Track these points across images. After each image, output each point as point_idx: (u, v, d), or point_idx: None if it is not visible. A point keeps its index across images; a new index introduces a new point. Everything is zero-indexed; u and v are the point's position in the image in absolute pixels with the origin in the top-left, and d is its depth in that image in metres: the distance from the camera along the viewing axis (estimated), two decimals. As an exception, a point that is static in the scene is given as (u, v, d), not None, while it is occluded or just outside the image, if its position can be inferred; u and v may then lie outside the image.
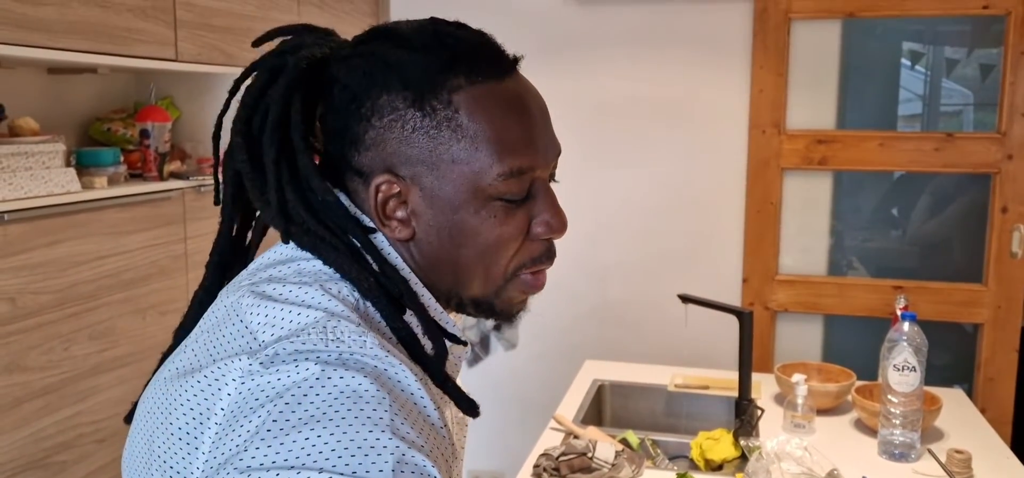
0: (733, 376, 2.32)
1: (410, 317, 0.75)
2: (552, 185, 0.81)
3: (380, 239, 0.77)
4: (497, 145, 0.73)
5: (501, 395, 3.12)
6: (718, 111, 2.89)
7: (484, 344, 3.05)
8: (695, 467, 1.82)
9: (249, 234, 0.84)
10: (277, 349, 0.65)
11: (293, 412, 0.60)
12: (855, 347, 2.79)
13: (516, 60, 0.78)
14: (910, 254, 3.15)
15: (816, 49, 2.87)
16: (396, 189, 0.75)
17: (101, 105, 2.21)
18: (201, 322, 0.76)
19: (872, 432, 1.91)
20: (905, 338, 1.81)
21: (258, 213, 0.82)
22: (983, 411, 2.42)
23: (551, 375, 2.95)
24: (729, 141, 2.89)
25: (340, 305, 0.70)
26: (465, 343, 0.80)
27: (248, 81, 0.79)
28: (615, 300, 3.03)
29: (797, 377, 1.98)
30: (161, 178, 2.07)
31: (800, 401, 1.96)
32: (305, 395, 0.61)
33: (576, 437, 1.87)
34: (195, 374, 0.68)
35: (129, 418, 0.79)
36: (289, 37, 0.81)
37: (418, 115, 0.73)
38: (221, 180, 0.82)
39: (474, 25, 0.79)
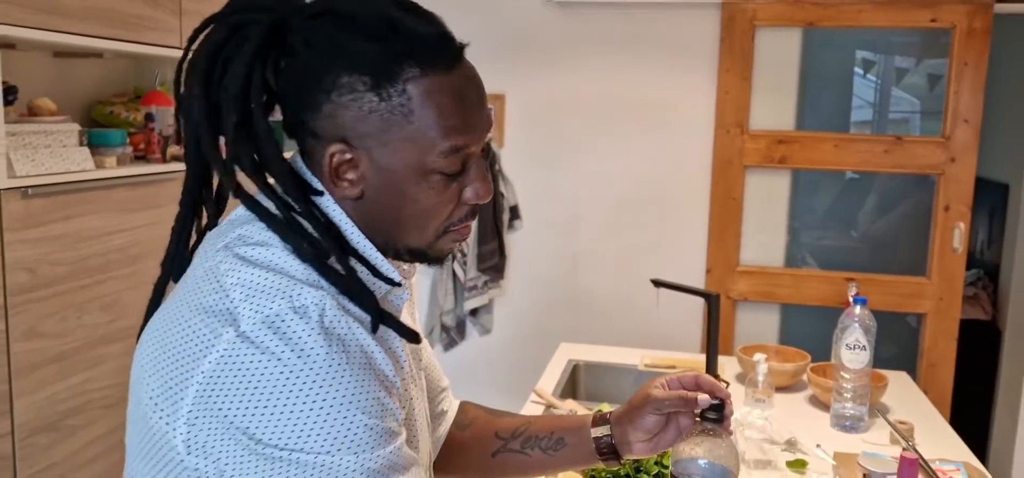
0: (698, 358, 2.49)
1: (356, 265, 0.86)
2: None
3: (326, 201, 0.86)
4: (441, 129, 0.83)
5: (476, 379, 3.26)
6: (686, 111, 3.06)
7: (460, 329, 3.19)
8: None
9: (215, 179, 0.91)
10: (258, 325, 0.76)
11: (271, 389, 0.75)
12: (808, 333, 2.99)
13: (462, 47, 0.86)
14: (860, 249, 3.36)
15: (778, 55, 3.06)
16: (348, 156, 0.84)
17: (102, 89, 2.29)
18: (187, 273, 0.86)
19: (825, 407, 2.08)
20: (857, 320, 1.99)
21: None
22: (925, 394, 2.63)
23: (524, 359, 3.09)
24: (696, 140, 3.07)
25: (301, 268, 0.81)
26: (399, 283, 0.90)
27: (206, 32, 0.85)
28: (587, 288, 3.19)
29: (758, 356, 2.15)
30: (164, 160, 2.16)
31: (761, 378, 2.13)
32: (282, 379, 0.75)
33: (555, 408, 2.02)
34: (181, 327, 0.79)
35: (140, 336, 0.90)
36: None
37: (375, 99, 0.81)
38: (181, 128, 0.88)
39: (455, 24, 0.87)
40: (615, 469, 1.56)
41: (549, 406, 2.06)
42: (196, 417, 0.76)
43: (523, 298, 3.26)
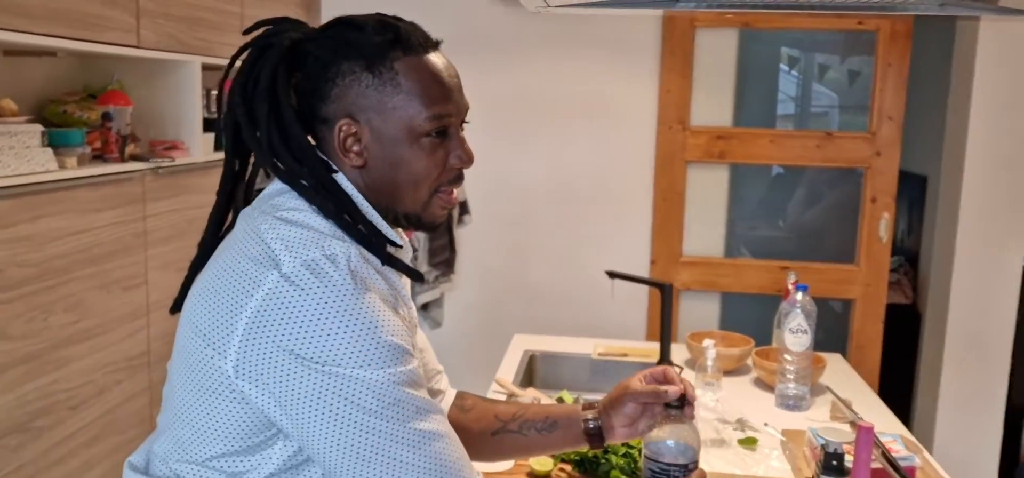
0: (647, 346, 2.61)
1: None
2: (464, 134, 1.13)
3: (339, 177, 1.04)
4: (425, 98, 1.03)
5: (428, 370, 3.31)
6: (630, 108, 3.18)
7: (411, 322, 3.23)
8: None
9: (247, 171, 1.11)
10: (297, 268, 0.92)
11: (312, 321, 0.91)
12: (748, 320, 3.14)
13: (438, 42, 1.08)
14: (792, 239, 3.54)
15: (717, 54, 3.20)
16: (353, 129, 1.03)
17: (53, 87, 2.26)
18: (225, 241, 1.04)
19: (769, 388, 2.22)
20: (798, 305, 2.12)
21: (252, 157, 1.09)
22: (857, 373, 2.80)
23: (476, 352, 3.16)
24: (639, 136, 3.19)
25: (327, 224, 0.99)
26: (400, 245, 1.07)
27: (244, 56, 1.06)
28: (536, 280, 3.28)
29: (707, 342, 2.26)
30: (122, 159, 2.16)
31: (710, 363, 2.25)
32: (321, 310, 0.91)
33: (518, 397, 2.09)
34: (230, 273, 0.95)
35: (176, 308, 1.07)
36: (271, 26, 1.07)
37: (370, 77, 1.02)
38: (222, 126, 1.09)
39: (406, 18, 1.08)
40: (584, 452, 1.65)
41: (511, 395, 2.14)
42: (246, 344, 0.92)
43: (473, 292, 3.33)
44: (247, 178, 1.11)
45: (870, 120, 3.13)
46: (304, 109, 1.05)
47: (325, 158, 1.05)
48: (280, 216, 0.98)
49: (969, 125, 3.00)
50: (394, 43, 1.02)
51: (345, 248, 0.95)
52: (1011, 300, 3.09)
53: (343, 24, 1.06)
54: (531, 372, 2.50)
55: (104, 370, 2.06)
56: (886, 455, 1.44)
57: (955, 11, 2.26)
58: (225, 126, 1.06)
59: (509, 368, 2.38)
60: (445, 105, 1.04)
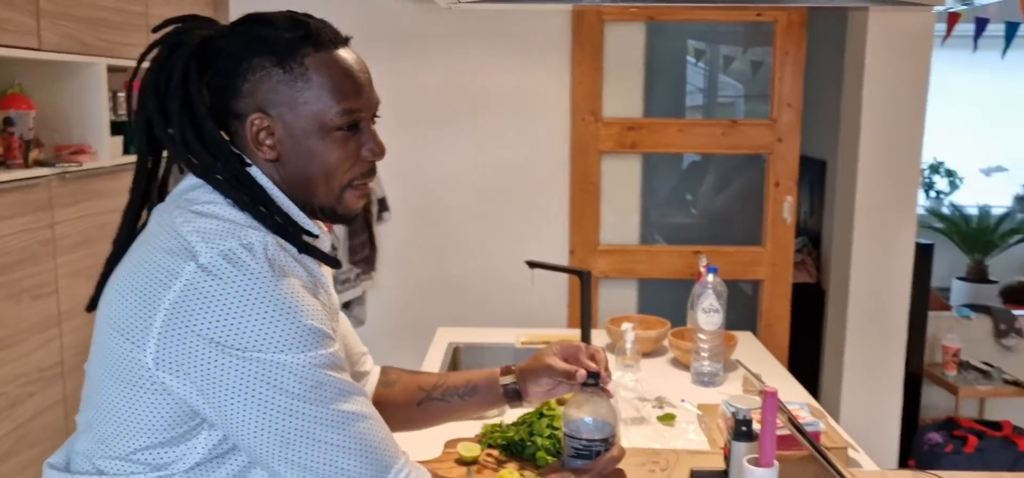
0: (569, 333, 2.68)
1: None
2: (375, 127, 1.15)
3: (254, 170, 1.06)
4: (335, 93, 1.05)
5: (351, 369, 3.30)
6: (544, 101, 3.24)
7: (333, 322, 3.22)
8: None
9: (161, 168, 1.12)
10: (213, 258, 0.93)
11: (233, 308, 0.93)
12: (663, 303, 3.24)
13: (347, 38, 1.10)
14: (703, 225, 3.67)
15: (625, 47, 3.30)
16: (266, 123, 1.04)
17: (-52, 93, 2.17)
18: (140, 237, 1.04)
19: (685, 366, 2.31)
20: (710, 287, 2.22)
21: (165, 153, 1.09)
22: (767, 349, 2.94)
23: (401, 348, 3.17)
24: (554, 128, 3.25)
25: (242, 216, 1.00)
26: (316, 234, 1.09)
27: (154, 54, 1.06)
28: (458, 274, 3.31)
29: (626, 325, 2.34)
30: (27, 165, 2.09)
31: (629, 346, 2.32)
32: (240, 297, 0.93)
33: (444, 387, 2.12)
34: (146, 267, 0.97)
35: (92, 306, 1.07)
36: (180, 23, 1.08)
37: (280, 72, 1.03)
38: (134, 128, 1.09)
39: (317, 15, 1.10)
40: (511, 435, 1.69)
41: (437, 386, 2.17)
42: (165, 336, 0.93)
43: (395, 289, 3.33)
44: (161, 175, 1.12)
45: (771, 107, 3.27)
46: (217, 105, 1.06)
47: (238, 152, 1.06)
48: (195, 210, 1.00)
49: (862, 111, 3.17)
50: (304, 39, 1.04)
51: (261, 237, 0.97)
52: (905, 275, 3.28)
53: (253, 20, 1.07)
54: (456, 364, 2.53)
55: (16, 382, 1.99)
56: (792, 421, 1.53)
57: (846, 2, 2.40)
58: (136, 123, 1.07)
59: (434, 361, 2.40)
60: (355, 99, 1.07)
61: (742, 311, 3.45)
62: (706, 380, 2.21)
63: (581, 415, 1.30)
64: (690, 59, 4.26)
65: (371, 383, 1.38)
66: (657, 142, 3.27)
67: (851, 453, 1.76)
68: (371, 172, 1.12)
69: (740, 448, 1.25)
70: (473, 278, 3.31)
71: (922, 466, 3.34)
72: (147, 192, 1.09)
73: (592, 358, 1.36)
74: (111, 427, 0.99)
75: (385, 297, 3.34)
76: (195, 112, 1.02)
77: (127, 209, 1.09)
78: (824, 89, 3.63)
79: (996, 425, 3.69)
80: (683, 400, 2.06)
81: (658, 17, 3.22)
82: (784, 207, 3.27)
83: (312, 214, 1.10)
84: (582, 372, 1.32)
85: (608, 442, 1.29)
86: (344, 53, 1.08)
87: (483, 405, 1.40)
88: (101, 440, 1.00)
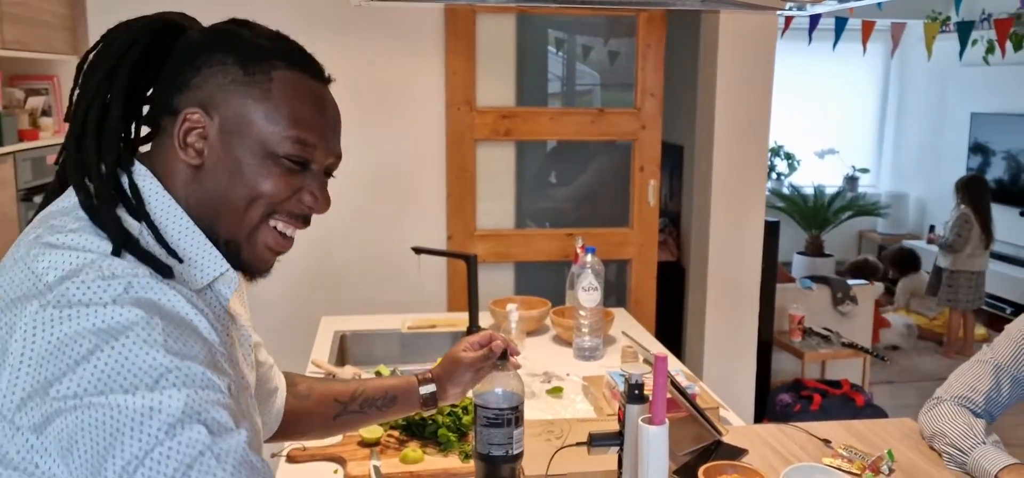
0: (453, 316, 2.75)
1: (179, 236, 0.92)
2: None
3: (139, 171, 0.91)
4: (292, 118, 0.92)
5: (229, 364, 3.24)
6: (419, 92, 3.29)
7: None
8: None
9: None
10: (64, 291, 0.78)
11: (85, 349, 0.76)
12: (540, 285, 3.38)
13: (330, 79, 1.00)
14: (574, 209, 3.83)
15: (497, 38, 3.39)
16: (201, 123, 0.90)
17: None
18: (2, 270, 0.87)
19: (567, 343, 2.44)
20: (588, 266, 2.35)
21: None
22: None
23: (286, 343, 3.14)
24: (430, 118, 3.31)
25: (108, 245, 0.84)
26: (223, 271, 0.94)
27: (119, 35, 0.94)
28: (340, 266, 3.31)
29: (511, 306, 2.45)
30: None
31: (513, 326, 2.43)
32: (95, 335, 0.77)
33: (337, 375, 2.15)
34: None
35: None
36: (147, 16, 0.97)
37: (240, 72, 0.91)
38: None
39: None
40: (411, 415, 1.75)
41: (330, 374, 2.19)
42: (9, 391, 0.77)
43: (278, 285, 3.29)
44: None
45: (635, 96, 3.46)
46: (157, 100, 0.95)
47: (124, 149, 0.93)
48: (50, 241, 0.84)
49: (716, 99, 3.41)
50: (280, 52, 0.94)
51: (131, 267, 0.82)
52: (756, 252, 3.56)
53: (236, 22, 0.97)
54: (343, 351, 2.55)
55: None
56: (675, 384, 1.68)
57: (701, 6, 2.58)
58: (76, 107, 0.92)
59: (321, 350, 2.42)
60: (314, 133, 0.94)
61: (611, 290, 3.64)
62: (588, 354, 2.34)
63: (492, 387, 1.39)
64: (551, 49, 4.42)
65: (281, 397, 1.31)
66: (530, 130, 3.39)
67: (722, 412, 1.93)
68: (301, 220, 0.98)
69: (634, 410, 1.37)
70: (355, 268, 3.32)
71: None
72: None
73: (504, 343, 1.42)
74: None
75: (268, 294, 3.29)
76: (110, 112, 0.91)
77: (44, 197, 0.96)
78: (682, 79, 3.87)
79: (836, 384, 4.08)
80: (568, 374, 2.18)
81: (527, 10, 3.33)
82: (648, 190, 3.47)
83: (215, 242, 0.94)
84: (499, 343, 1.39)
85: (516, 411, 1.38)
86: (318, 84, 0.97)
87: (401, 412, 1.41)
88: None
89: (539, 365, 2.22)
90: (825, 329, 4.38)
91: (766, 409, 4.01)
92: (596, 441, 1.45)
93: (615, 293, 3.63)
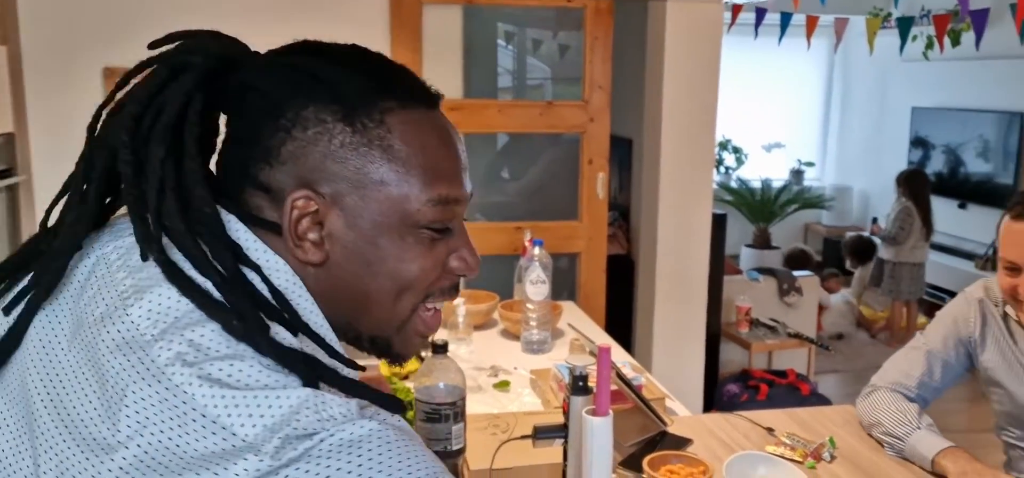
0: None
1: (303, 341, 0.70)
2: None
3: (271, 263, 0.71)
4: (429, 172, 0.72)
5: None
6: (365, 84, 3.23)
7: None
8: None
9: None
10: (286, 441, 0.59)
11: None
12: (489, 279, 3.35)
13: (440, 96, 0.78)
14: (523, 202, 3.82)
15: (444, 30, 3.36)
16: (313, 207, 0.70)
17: None
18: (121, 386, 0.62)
19: (515, 336, 2.43)
20: (536, 259, 2.34)
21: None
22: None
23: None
24: (376, 110, 3.26)
25: (299, 380, 0.64)
26: (362, 367, 0.75)
27: (140, 77, 0.73)
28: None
29: (458, 300, 2.42)
30: None
31: (461, 320, 2.41)
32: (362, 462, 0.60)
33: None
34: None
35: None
36: (190, 39, 0.75)
37: (348, 131, 0.70)
38: (83, 178, 0.73)
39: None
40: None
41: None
42: None
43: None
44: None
45: (583, 89, 3.46)
46: (233, 169, 0.74)
47: (241, 242, 0.70)
48: (213, 376, 0.61)
49: (663, 93, 3.43)
50: (387, 87, 0.72)
51: (342, 403, 0.62)
52: (704, 245, 3.59)
53: (308, 51, 0.75)
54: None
55: None
56: (620, 375, 1.67)
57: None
58: (88, 173, 0.71)
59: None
60: (453, 185, 0.75)
61: (561, 284, 3.63)
62: (536, 347, 2.33)
63: (433, 381, 1.36)
64: (500, 42, 4.40)
65: None
66: (478, 123, 3.37)
67: (668, 403, 1.94)
68: (454, 292, 0.79)
69: (578, 402, 1.35)
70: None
71: (723, 415, 3.68)
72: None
73: None
74: None
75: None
76: (183, 169, 0.69)
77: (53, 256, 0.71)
78: (630, 73, 3.88)
79: (783, 373, 4.14)
80: (516, 367, 2.17)
81: (476, 1, 3.30)
82: (597, 183, 3.48)
83: (354, 342, 0.77)
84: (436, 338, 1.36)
85: (456, 405, 1.36)
86: (438, 115, 0.76)
87: None
88: None
89: (486, 359, 2.20)
90: (772, 320, 4.44)
91: (714, 400, 4.05)
92: (541, 434, 1.44)
93: (565, 287, 3.62)
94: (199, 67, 0.72)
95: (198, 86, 0.71)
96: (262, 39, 0.95)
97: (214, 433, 0.59)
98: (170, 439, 0.59)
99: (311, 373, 0.64)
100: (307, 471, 0.58)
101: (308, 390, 0.62)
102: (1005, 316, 1.70)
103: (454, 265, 0.77)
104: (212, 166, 0.75)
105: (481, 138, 3.56)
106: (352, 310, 0.74)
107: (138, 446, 0.59)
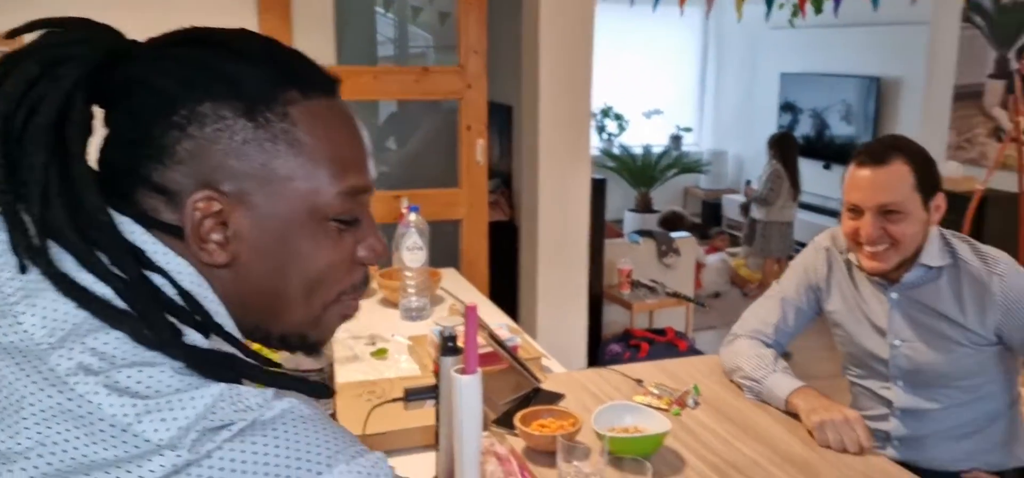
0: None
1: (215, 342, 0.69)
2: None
3: (175, 264, 0.67)
4: (337, 163, 0.70)
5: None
6: (233, 51, 3.11)
7: None
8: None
9: None
10: (202, 435, 0.58)
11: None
12: (370, 250, 3.30)
13: (338, 81, 0.75)
14: (403, 171, 3.78)
15: (314, -4, 3.27)
16: (216, 207, 0.67)
17: None
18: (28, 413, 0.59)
19: (394, 304, 2.40)
20: (412, 226, 2.32)
21: None
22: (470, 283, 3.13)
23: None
24: (246, 79, 3.14)
25: (218, 384, 0.62)
26: (278, 365, 0.76)
27: (14, 70, 0.66)
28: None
29: (333, 270, 2.38)
30: None
31: (337, 290, 2.37)
32: (283, 442, 0.60)
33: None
34: None
35: None
36: (60, 30, 0.69)
37: (250, 126, 0.67)
38: None
39: None
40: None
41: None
42: None
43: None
44: None
45: (459, 54, 3.44)
46: (121, 170, 0.68)
47: (141, 245, 0.66)
48: (120, 384, 0.59)
49: (540, 58, 3.44)
50: (287, 78, 0.69)
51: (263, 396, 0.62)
52: (584, 209, 3.65)
53: (200, 41, 0.71)
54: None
55: None
56: (493, 336, 1.68)
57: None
58: None
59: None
60: (363, 174, 0.73)
61: (445, 250, 3.63)
62: (415, 315, 2.32)
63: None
64: (379, 9, 4.32)
65: None
66: (352, 89, 3.29)
67: (544, 362, 1.96)
68: (365, 282, 0.78)
69: (447, 362, 1.35)
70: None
71: (606, 374, 3.78)
72: None
73: None
74: None
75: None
76: (70, 173, 0.64)
77: None
78: (508, 40, 3.88)
79: (662, 331, 4.28)
80: (394, 335, 2.15)
81: (347, -34, 3.23)
82: (477, 149, 3.47)
83: (265, 342, 0.75)
84: None
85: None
86: (340, 103, 0.73)
87: None
88: None
89: (364, 329, 2.17)
90: (652, 281, 4.58)
91: (598, 359, 4.15)
92: (412, 396, 1.43)
93: (449, 254, 3.61)
94: (80, 61, 0.66)
95: (80, 82, 0.66)
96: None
97: (125, 442, 0.58)
98: (77, 449, 0.57)
99: (231, 373, 0.63)
100: (221, 456, 0.58)
101: (222, 385, 0.61)
102: (848, 263, 1.80)
103: (362, 254, 0.76)
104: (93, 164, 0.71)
105: (362, 107, 3.49)
106: (262, 310, 0.72)
107: (39, 457, 0.57)
